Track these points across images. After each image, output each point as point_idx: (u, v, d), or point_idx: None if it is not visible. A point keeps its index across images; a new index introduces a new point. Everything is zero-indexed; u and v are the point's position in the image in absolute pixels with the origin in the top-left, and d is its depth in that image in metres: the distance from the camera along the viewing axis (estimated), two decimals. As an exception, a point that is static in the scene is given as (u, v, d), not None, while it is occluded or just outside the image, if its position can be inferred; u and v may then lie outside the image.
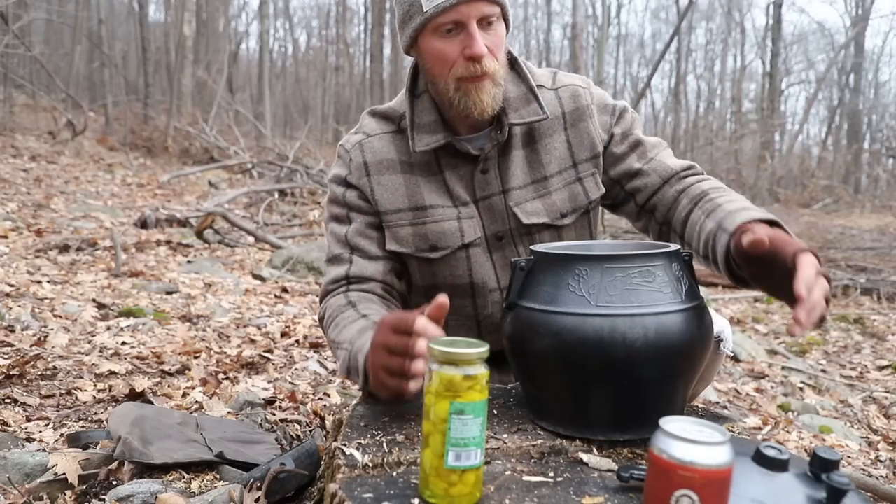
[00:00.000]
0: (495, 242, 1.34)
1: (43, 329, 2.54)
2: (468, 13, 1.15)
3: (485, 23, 1.17)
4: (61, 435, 1.62)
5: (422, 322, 0.94)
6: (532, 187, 1.32)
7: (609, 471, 0.89)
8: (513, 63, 1.32)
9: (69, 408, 1.84)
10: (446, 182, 1.32)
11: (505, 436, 0.99)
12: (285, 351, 2.70)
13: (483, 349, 0.77)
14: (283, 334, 2.94)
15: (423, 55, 1.23)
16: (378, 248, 1.34)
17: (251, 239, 5.77)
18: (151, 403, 1.84)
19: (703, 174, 1.33)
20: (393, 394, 0.99)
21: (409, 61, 1.39)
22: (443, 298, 0.95)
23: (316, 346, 2.79)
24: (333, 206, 1.39)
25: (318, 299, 1.40)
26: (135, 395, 1.94)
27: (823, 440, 2.32)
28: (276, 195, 7.84)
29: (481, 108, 1.20)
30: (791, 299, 0.93)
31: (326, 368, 2.51)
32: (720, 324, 1.31)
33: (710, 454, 0.67)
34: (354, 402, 1.18)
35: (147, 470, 1.37)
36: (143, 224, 5.73)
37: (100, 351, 2.38)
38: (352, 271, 1.34)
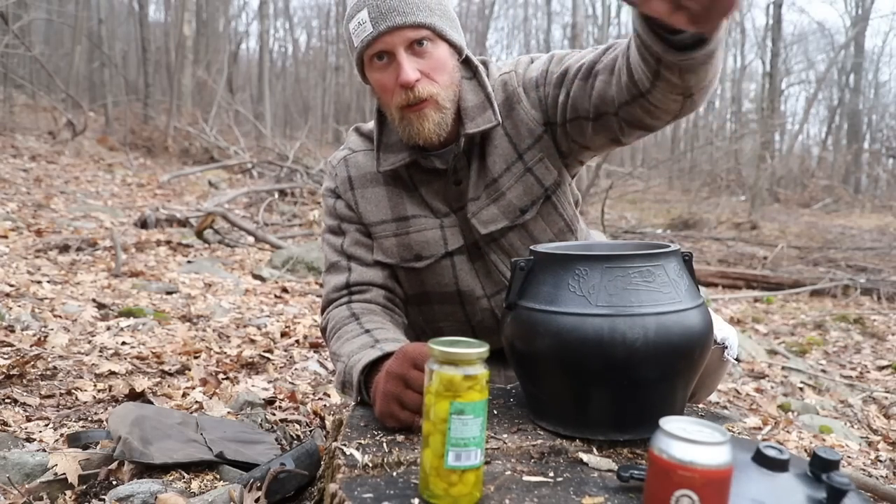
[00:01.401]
0: (475, 251, 1.34)
1: (43, 329, 2.54)
2: (392, 42, 1.16)
3: (416, 47, 1.17)
4: (61, 435, 1.62)
5: None
6: (485, 194, 1.30)
7: (609, 471, 0.89)
8: (474, 72, 1.29)
9: (69, 408, 1.84)
10: (423, 197, 1.33)
11: (505, 436, 0.99)
12: (285, 351, 2.70)
13: (483, 349, 0.77)
14: (283, 334, 2.94)
15: (373, 87, 1.26)
16: (371, 255, 1.37)
17: (251, 239, 5.77)
18: (151, 403, 1.84)
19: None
20: (400, 425, 1.00)
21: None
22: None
23: (316, 346, 2.79)
24: (328, 217, 1.43)
25: (319, 310, 1.41)
26: (135, 395, 1.94)
27: (823, 440, 2.32)
28: (276, 195, 7.84)
29: (425, 136, 1.21)
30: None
31: (326, 368, 2.51)
32: (725, 330, 1.31)
33: (710, 454, 0.67)
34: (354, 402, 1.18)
35: (147, 470, 1.37)
36: (143, 224, 5.73)
37: (100, 351, 2.38)
38: (352, 278, 1.35)
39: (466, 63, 1.30)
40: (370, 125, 1.42)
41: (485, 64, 1.33)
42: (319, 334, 2.89)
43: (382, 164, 1.31)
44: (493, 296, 1.35)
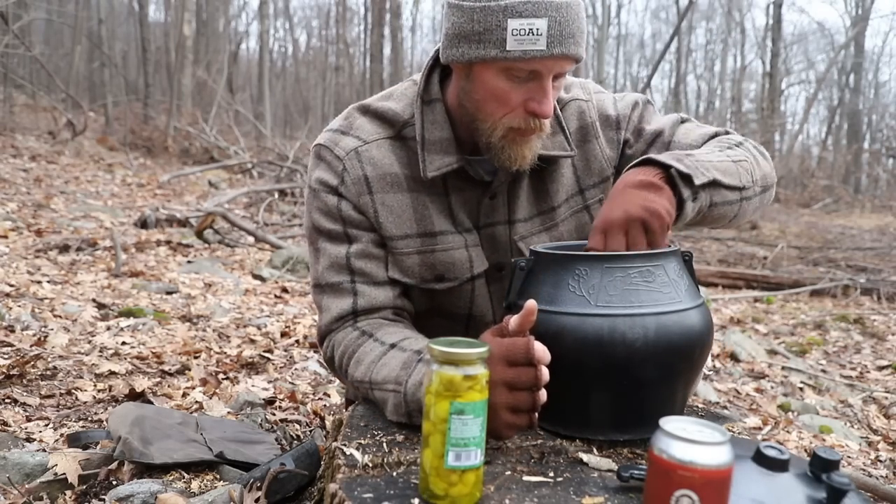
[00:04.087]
0: (495, 273, 1.22)
1: (43, 329, 2.54)
2: (550, 67, 1.01)
3: (559, 76, 1.06)
4: (61, 435, 1.62)
5: (540, 349, 0.88)
6: (539, 219, 1.22)
7: (609, 471, 0.89)
8: None
9: (69, 408, 1.84)
10: (451, 206, 1.17)
11: (505, 436, 0.99)
12: (285, 351, 2.70)
13: (483, 349, 0.77)
14: (283, 334, 2.94)
15: (476, 84, 1.06)
16: (385, 271, 1.16)
17: (251, 239, 5.77)
18: (151, 403, 1.84)
19: (720, 136, 1.21)
20: (518, 430, 0.91)
21: (408, 61, 1.28)
22: (532, 303, 0.88)
23: (316, 346, 2.79)
24: (324, 218, 1.16)
25: (317, 340, 1.22)
26: (135, 395, 1.93)
27: (823, 440, 2.32)
28: (276, 195, 7.84)
29: (521, 162, 1.09)
30: None
31: (326, 368, 2.51)
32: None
33: (710, 454, 0.67)
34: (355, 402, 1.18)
35: (147, 470, 1.37)
36: (143, 224, 5.73)
37: (100, 351, 2.38)
38: (359, 304, 1.14)
39: None
40: (386, 103, 1.18)
41: None
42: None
43: (429, 167, 1.11)
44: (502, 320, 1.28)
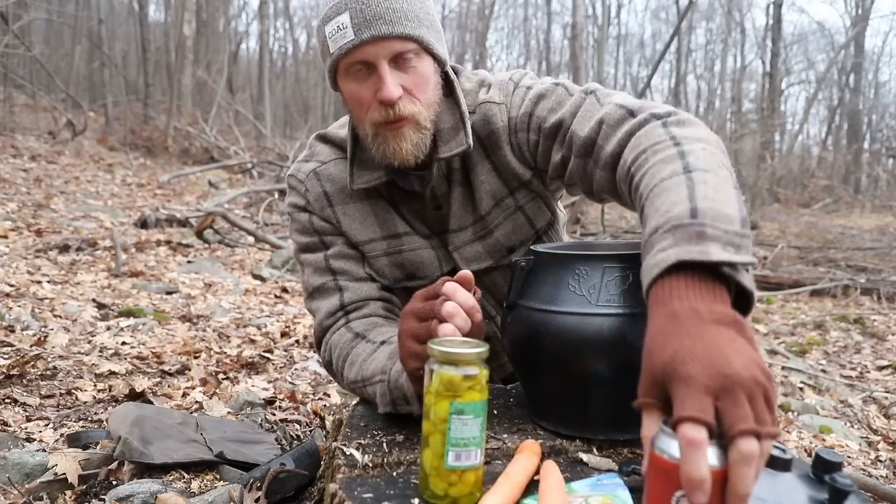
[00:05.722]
0: None
1: (43, 329, 2.54)
2: (376, 53, 1.03)
3: (400, 60, 1.05)
4: (61, 435, 1.62)
5: (451, 285, 0.88)
6: (471, 229, 1.21)
7: (609, 471, 0.89)
8: (451, 90, 1.17)
9: (69, 408, 1.84)
10: (405, 215, 1.23)
11: (505, 436, 0.99)
12: (285, 351, 2.70)
13: (483, 349, 0.77)
14: (283, 334, 2.94)
15: (344, 97, 1.13)
16: (363, 268, 1.23)
17: (251, 239, 5.77)
18: (151, 403, 1.84)
19: (626, 123, 1.00)
20: (420, 361, 0.89)
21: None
22: (467, 272, 0.90)
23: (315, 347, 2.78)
24: (301, 235, 1.26)
25: (314, 343, 1.25)
26: (135, 395, 1.93)
27: (823, 440, 2.32)
28: (276, 195, 7.84)
29: (401, 157, 1.09)
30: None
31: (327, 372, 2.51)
32: None
33: (711, 454, 0.67)
34: (354, 402, 1.18)
35: (147, 470, 1.37)
36: (143, 224, 5.73)
37: (100, 351, 2.38)
38: (346, 298, 1.20)
39: (445, 78, 1.17)
40: (337, 131, 1.27)
41: (455, 72, 1.21)
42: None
43: (356, 181, 1.18)
44: (501, 323, 1.25)
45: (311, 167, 1.26)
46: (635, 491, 0.82)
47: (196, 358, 2.43)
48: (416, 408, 0.99)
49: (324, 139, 1.29)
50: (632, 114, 1.01)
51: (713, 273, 0.71)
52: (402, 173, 1.18)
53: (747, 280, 0.73)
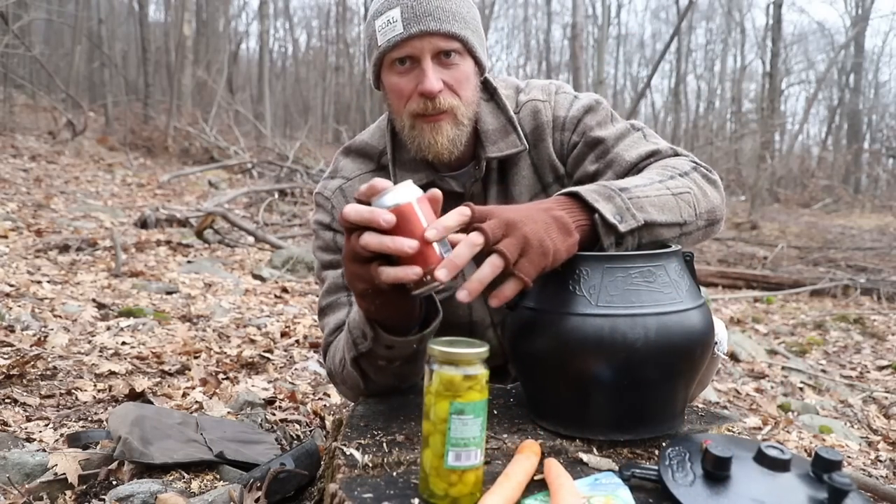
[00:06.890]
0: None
1: (43, 329, 2.54)
2: (421, 47, 1.09)
3: (443, 57, 1.11)
4: (61, 435, 1.62)
5: (353, 208, 0.87)
6: None
7: (609, 471, 0.89)
8: (492, 94, 1.25)
9: (69, 408, 1.84)
10: None
11: (505, 436, 0.99)
12: (285, 351, 2.70)
13: (483, 349, 0.77)
14: (283, 334, 2.94)
15: (386, 91, 1.18)
16: None
17: (251, 239, 5.77)
18: (151, 403, 1.84)
19: (665, 157, 1.18)
20: (362, 281, 0.91)
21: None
22: (436, 191, 0.91)
23: (316, 346, 2.79)
24: (325, 253, 1.28)
25: (322, 355, 1.27)
26: (135, 395, 1.93)
27: (823, 440, 2.32)
28: (276, 195, 7.84)
29: (436, 150, 1.13)
30: None
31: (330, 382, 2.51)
32: (714, 325, 1.29)
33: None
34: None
35: (147, 470, 1.37)
36: (143, 224, 5.73)
37: (100, 351, 2.38)
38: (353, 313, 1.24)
39: (484, 84, 1.24)
40: (363, 138, 1.32)
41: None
42: (320, 334, 2.89)
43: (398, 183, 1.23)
44: (500, 324, 1.30)
45: (336, 184, 1.29)
46: (636, 490, 0.83)
47: (196, 358, 2.43)
48: (370, 336, 1.02)
49: (348, 153, 1.32)
50: (676, 154, 1.18)
51: (589, 210, 0.97)
52: (440, 174, 1.22)
53: (606, 235, 0.96)
